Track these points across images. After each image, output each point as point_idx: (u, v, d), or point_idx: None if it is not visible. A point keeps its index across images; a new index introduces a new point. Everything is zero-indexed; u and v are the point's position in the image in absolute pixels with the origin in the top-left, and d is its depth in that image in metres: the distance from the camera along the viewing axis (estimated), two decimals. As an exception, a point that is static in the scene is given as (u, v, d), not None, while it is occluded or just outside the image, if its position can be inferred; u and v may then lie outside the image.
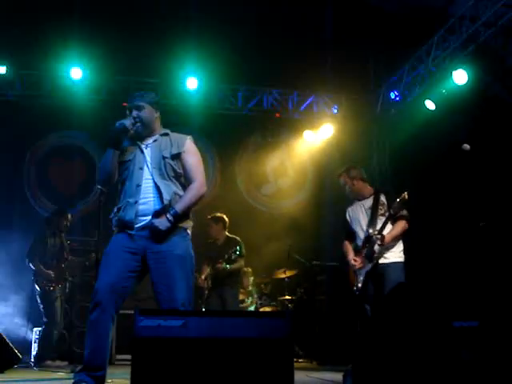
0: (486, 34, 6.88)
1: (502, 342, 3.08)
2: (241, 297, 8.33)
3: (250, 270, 8.90)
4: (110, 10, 7.51)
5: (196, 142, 4.20)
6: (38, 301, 7.22)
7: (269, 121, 9.59)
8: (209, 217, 7.43)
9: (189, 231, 4.04)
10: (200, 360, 2.87)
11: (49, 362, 7.01)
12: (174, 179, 4.00)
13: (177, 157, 4.04)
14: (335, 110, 9.57)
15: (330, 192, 9.01)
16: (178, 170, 4.03)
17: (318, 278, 9.09)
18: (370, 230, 5.52)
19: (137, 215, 3.89)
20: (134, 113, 4.05)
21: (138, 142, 4.09)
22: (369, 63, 9.06)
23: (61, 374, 5.89)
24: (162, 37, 7.81)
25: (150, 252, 3.88)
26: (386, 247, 5.48)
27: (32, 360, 7.12)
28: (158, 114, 4.19)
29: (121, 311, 3.99)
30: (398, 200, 5.37)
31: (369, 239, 5.51)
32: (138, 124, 4.04)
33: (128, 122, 3.96)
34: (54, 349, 7.24)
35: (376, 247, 5.44)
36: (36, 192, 8.90)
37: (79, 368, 3.84)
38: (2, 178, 8.49)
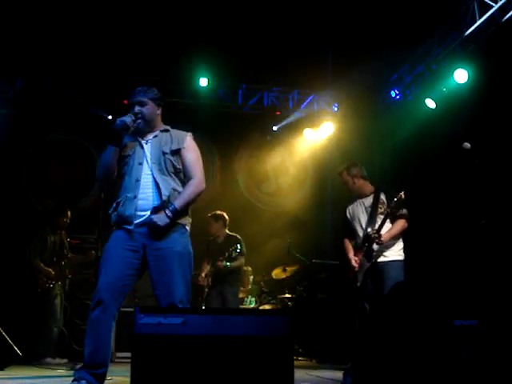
0: (487, 33, 6.87)
1: (502, 341, 3.08)
2: (241, 295, 8.34)
3: (249, 268, 8.91)
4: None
5: (196, 140, 4.21)
6: (38, 298, 7.22)
7: (269, 119, 9.59)
8: (209, 215, 7.44)
9: (187, 227, 4.05)
10: (200, 358, 2.87)
11: (48, 360, 7.02)
12: (173, 175, 4.02)
13: (177, 153, 4.05)
14: (336, 108, 9.57)
15: (330, 190, 9.00)
16: (178, 166, 4.04)
17: (317, 276, 9.09)
18: (369, 229, 5.53)
19: (136, 210, 3.89)
20: (137, 108, 4.07)
21: (139, 138, 4.10)
22: (369, 61, 9.04)
23: (61, 372, 5.90)
24: (161, 36, 7.80)
25: (149, 249, 3.89)
26: (386, 246, 5.48)
27: (32, 357, 7.12)
28: (159, 111, 4.20)
29: (121, 309, 3.99)
30: (395, 199, 5.38)
31: (368, 238, 5.51)
32: (140, 120, 4.05)
33: (129, 119, 3.96)
34: (53, 346, 7.24)
35: (375, 246, 5.45)
36: (36, 189, 8.90)
37: (80, 366, 3.85)
38: (3, 176, 8.48)
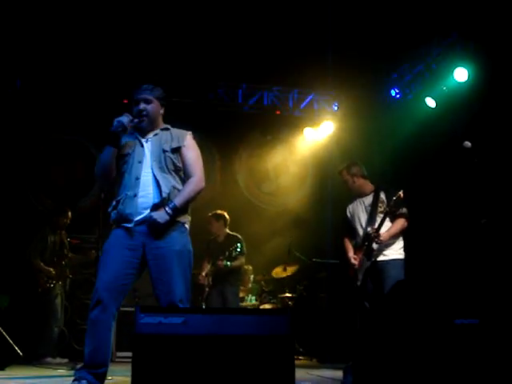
0: (488, 32, 6.87)
1: (502, 340, 3.08)
2: (241, 294, 8.34)
3: (250, 267, 8.91)
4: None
5: (196, 139, 4.22)
6: (39, 298, 7.23)
7: (269, 118, 9.57)
8: (210, 214, 7.45)
9: (187, 226, 4.05)
10: (201, 357, 2.87)
11: (49, 359, 7.03)
12: (173, 173, 4.02)
13: (177, 151, 4.07)
14: (335, 108, 9.55)
15: (330, 189, 9.00)
16: (178, 164, 4.05)
17: (318, 275, 9.09)
18: (369, 228, 5.53)
19: (136, 208, 3.90)
20: (142, 105, 4.08)
21: (138, 136, 4.11)
22: (369, 60, 9.04)
23: (61, 371, 5.91)
24: (161, 34, 7.79)
25: (148, 248, 3.89)
26: (385, 245, 5.49)
27: (32, 357, 7.12)
28: (162, 111, 4.23)
29: (121, 308, 4.00)
30: (394, 198, 5.38)
31: (368, 237, 5.52)
32: (145, 118, 4.07)
33: (126, 119, 3.96)
34: (54, 346, 7.25)
35: (374, 245, 5.45)
36: (36, 189, 8.89)
37: (80, 366, 3.85)
38: (3, 175, 8.48)
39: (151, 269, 3.90)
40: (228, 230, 7.43)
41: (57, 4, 7.06)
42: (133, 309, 2.87)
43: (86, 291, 7.60)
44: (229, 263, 7.08)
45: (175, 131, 4.17)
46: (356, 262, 5.60)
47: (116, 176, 4.08)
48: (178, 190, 3.98)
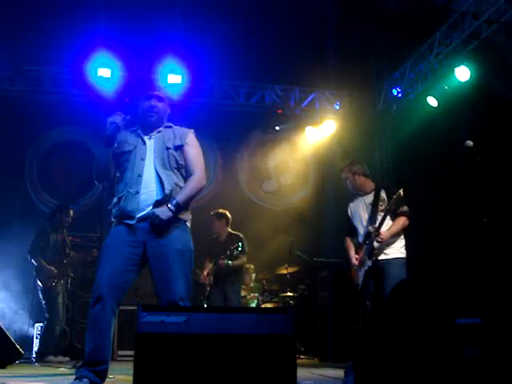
0: (489, 31, 6.86)
1: (504, 339, 3.07)
2: (243, 293, 8.33)
3: (252, 266, 8.91)
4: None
5: (197, 138, 4.25)
6: (40, 296, 7.24)
7: (271, 117, 9.57)
8: (212, 213, 7.44)
9: (188, 224, 4.07)
10: (202, 356, 2.87)
11: (51, 358, 7.03)
12: (175, 170, 4.05)
13: (179, 148, 4.09)
14: (337, 107, 9.54)
15: (332, 188, 9.00)
16: (180, 162, 4.07)
17: (319, 274, 9.09)
18: (370, 227, 5.52)
19: (138, 205, 3.91)
20: (154, 102, 4.13)
21: (141, 133, 4.13)
22: (371, 59, 9.04)
23: (63, 370, 5.90)
24: (163, 33, 7.79)
25: (149, 245, 3.90)
26: (386, 243, 5.48)
27: (34, 356, 7.13)
28: (169, 111, 4.27)
29: (123, 307, 4.01)
30: (394, 196, 5.38)
31: (368, 235, 5.51)
32: (155, 115, 4.12)
33: (118, 119, 3.99)
34: (55, 344, 7.25)
35: (375, 243, 5.45)
36: (38, 187, 8.90)
37: (81, 363, 3.85)
38: (4, 174, 8.49)
39: (152, 267, 3.91)
40: (230, 229, 7.43)
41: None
42: (134, 307, 2.88)
43: (87, 290, 7.60)
44: (230, 262, 7.07)
45: (178, 129, 4.20)
46: (356, 262, 5.60)
47: (117, 173, 4.09)
48: (180, 188, 4.00)
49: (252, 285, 9.04)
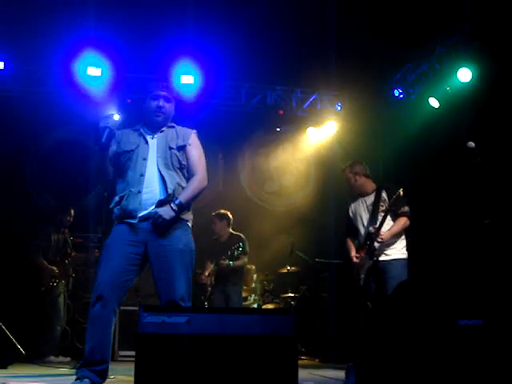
0: (491, 31, 6.85)
1: (506, 341, 3.07)
2: (244, 294, 8.33)
3: (253, 267, 8.91)
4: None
5: (199, 139, 4.26)
6: (41, 297, 7.23)
7: (272, 118, 9.56)
8: (213, 213, 7.45)
9: (190, 224, 4.07)
10: (204, 357, 2.87)
11: (52, 358, 7.03)
12: (177, 170, 4.06)
13: (182, 149, 4.11)
14: (339, 108, 9.54)
15: (333, 189, 9.00)
16: (183, 162, 4.09)
17: (321, 274, 9.09)
18: (370, 227, 5.53)
19: (140, 204, 3.91)
20: (161, 102, 4.14)
21: (143, 132, 4.13)
22: (372, 61, 9.03)
23: (63, 370, 5.90)
24: (164, 33, 7.78)
25: (151, 246, 3.91)
26: (387, 244, 5.48)
27: (35, 356, 7.12)
28: (173, 112, 4.28)
29: (124, 307, 4.02)
30: (394, 197, 5.39)
31: (369, 236, 5.51)
32: (162, 115, 4.14)
33: (110, 123, 3.98)
34: (56, 345, 7.25)
35: (376, 244, 5.45)
36: (39, 187, 8.89)
37: (80, 363, 3.85)
38: (5, 174, 8.48)
39: (153, 267, 3.92)
40: (231, 230, 7.44)
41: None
42: (136, 308, 2.89)
43: (88, 290, 7.59)
44: (231, 263, 7.08)
45: (180, 129, 4.22)
46: (357, 261, 5.60)
47: (119, 172, 4.10)
48: (182, 188, 4.02)
49: (253, 285, 9.04)
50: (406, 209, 5.57)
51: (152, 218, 3.87)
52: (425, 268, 6.61)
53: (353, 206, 5.87)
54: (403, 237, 5.62)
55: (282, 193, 10.15)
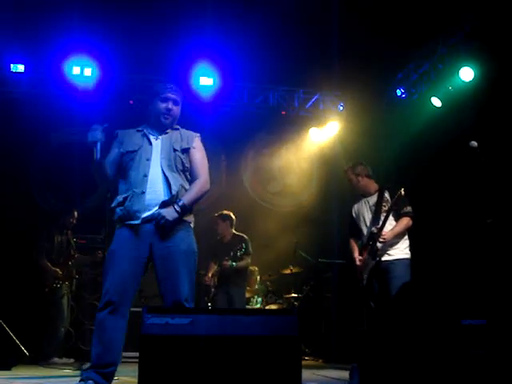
0: (493, 31, 6.84)
1: (510, 340, 3.07)
2: (247, 295, 8.33)
3: (256, 268, 8.89)
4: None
5: (202, 139, 4.28)
6: (45, 298, 7.24)
7: (274, 118, 9.56)
8: (216, 214, 7.45)
9: (192, 225, 4.08)
10: (207, 358, 2.87)
11: (55, 359, 7.04)
12: (181, 172, 4.08)
13: (186, 151, 4.12)
14: (341, 108, 9.54)
15: (336, 189, 9.00)
16: (186, 164, 4.10)
17: (324, 275, 9.08)
18: (373, 227, 5.52)
19: (144, 205, 3.91)
20: (170, 105, 4.14)
21: (148, 134, 4.13)
22: (374, 60, 9.02)
23: (67, 371, 5.92)
24: (167, 34, 7.79)
25: (156, 248, 3.92)
26: (390, 244, 5.48)
27: (38, 357, 7.13)
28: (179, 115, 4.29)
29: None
30: (395, 196, 5.39)
31: (372, 236, 5.51)
32: (170, 118, 4.14)
33: (99, 135, 3.97)
34: (60, 346, 7.26)
35: (378, 244, 5.45)
36: (42, 189, 8.90)
37: (88, 366, 3.86)
38: (8, 176, 8.49)
39: (157, 268, 3.92)
40: (234, 231, 7.43)
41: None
42: (139, 309, 2.88)
43: (92, 291, 7.62)
44: (234, 263, 7.07)
45: (184, 132, 4.23)
46: (360, 263, 5.60)
47: (121, 172, 4.10)
48: (186, 190, 4.02)
49: (257, 286, 9.03)
50: (409, 209, 5.57)
51: (155, 219, 3.87)
52: (428, 268, 6.60)
53: (356, 206, 5.88)
54: (406, 237, 5.62)
55: (284, 193, 10.14)
